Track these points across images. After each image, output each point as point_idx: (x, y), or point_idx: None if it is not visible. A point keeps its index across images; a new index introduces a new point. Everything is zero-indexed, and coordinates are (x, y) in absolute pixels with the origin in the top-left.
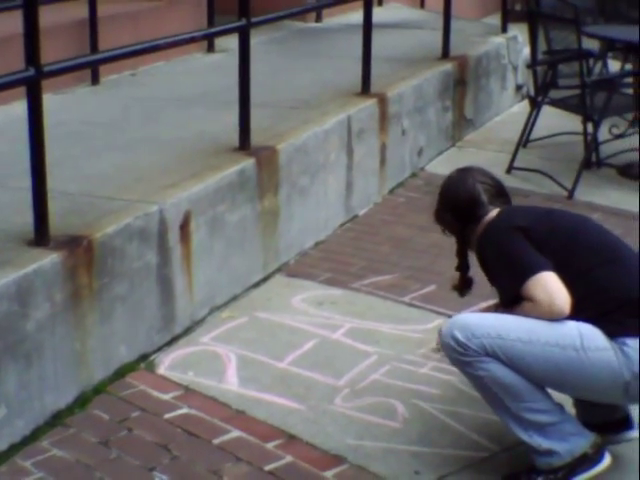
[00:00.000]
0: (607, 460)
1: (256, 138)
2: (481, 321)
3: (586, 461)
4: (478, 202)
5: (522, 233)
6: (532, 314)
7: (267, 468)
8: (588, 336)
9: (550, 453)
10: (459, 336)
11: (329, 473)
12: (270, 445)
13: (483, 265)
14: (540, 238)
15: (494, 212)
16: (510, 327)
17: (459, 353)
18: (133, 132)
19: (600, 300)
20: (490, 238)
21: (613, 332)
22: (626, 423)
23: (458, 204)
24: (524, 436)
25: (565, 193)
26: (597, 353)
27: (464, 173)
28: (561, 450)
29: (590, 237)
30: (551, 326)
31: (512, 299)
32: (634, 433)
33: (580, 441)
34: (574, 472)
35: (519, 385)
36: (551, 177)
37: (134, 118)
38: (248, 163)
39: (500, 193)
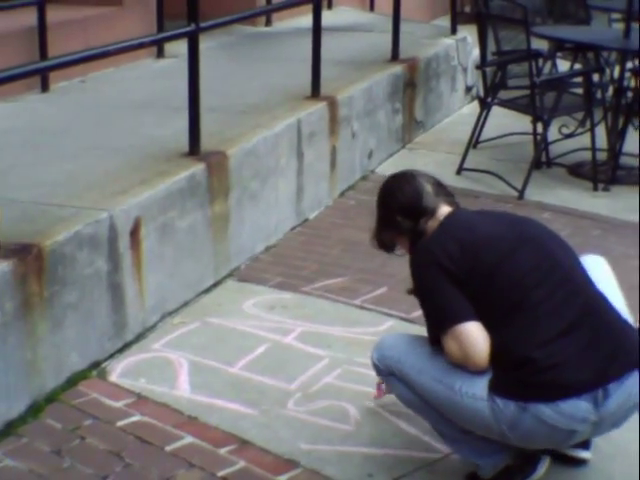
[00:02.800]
0: (543, 468)
1: (206, 143)
2: (394, 343)
3: (518, 473)
4: (424, 191)
5: (443, 272)
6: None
7: (220, 474)
8: (469, 382)
9: (476, 465)
10: (374, 355)
11: (282, 478)
12: (223, 451)
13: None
14: (461, 279)
15: (445, 208)
16: (411, 354)
17: (376, 372)
18: (83, 139)
19: (494, 355)
20: (414, 271)
21: (491, 386)
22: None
23: (405, 199)
24: (448, 446)
25: (515, 193)
26: (471, 400)
27: (399, 174)
28: (482, 464)
29: (507, 278)
30: (445, 363)
31: (434, 341)
32: (584, 454)
33: (499, 455)
34: None
35: (419, 404)
36: (501, 177)
37: (84, 125)
38: (198, 168)
39: (440, 185)
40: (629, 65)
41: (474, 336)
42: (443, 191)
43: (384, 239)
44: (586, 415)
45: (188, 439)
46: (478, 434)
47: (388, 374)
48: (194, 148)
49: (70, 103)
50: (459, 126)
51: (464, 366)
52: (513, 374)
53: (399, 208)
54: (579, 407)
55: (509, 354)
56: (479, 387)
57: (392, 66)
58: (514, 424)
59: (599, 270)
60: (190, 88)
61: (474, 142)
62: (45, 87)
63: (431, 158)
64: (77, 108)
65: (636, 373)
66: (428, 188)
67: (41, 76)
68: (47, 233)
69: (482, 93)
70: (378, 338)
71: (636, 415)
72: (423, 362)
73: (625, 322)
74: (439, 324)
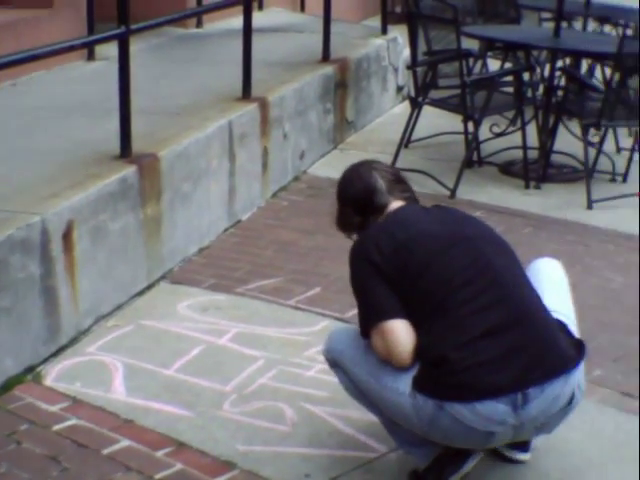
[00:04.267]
0: (475, 460)
1: (137, 145)
2: (339, 337)
3: (450, 464)
4: (375, 189)
5: (374, 269)
6: None
7: (157, 476)
8: (393, 377)
9: (411, 455)
10: (323, 347)
11: (220, 479)
12: (160, 453)
13: None
14: (391, 277)
15: (395, 204)
16: (352, 347)
17: (325, 361)
18: (13, 142)
19: (417, 350)
20: (350, 260)
21: (414, 382)
22: (520, 443)
23: (355, 195)
24: (389, 435)
25: (447, 192)
26: (394, 394)
27: (358, 164)
28: (417, 453)
29: (436, 276)
30: (377, 357)
31: (364, 335)
32: (521, 455)
33: (431, 444)
34: (443, 474)
35: (360, 395)
36: (433, 177)
37: (14, 128)
38: (129, 171)
39: (398, 180)
40: (559, 64)
41: (398, 334)
42: (399, 187)
43: (341, 225)
44: (504, 418)
45: (125, 442)
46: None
47: (335, 365)
48: (125, 150)
49: (0, 106)
50: (390, 126)
51: (388, 362)
52: (432, 372)
53: (350, 203)
54: (496, 410)
55: (429, 352)
56: (403, 382)
57: (323, 67)
58: (433, 422)
59: (550, 274)
60: (121, 90)
61: (405, 142)
62: None
63: (363, 158)
64: (7, 111)
65: (561, 380)
66: (381, 184)
67: None
68: None
69: (413, 93)
70: (313, 338)
71: (572, 415)
72: (360, 356)
73: (558, 328)
74: (367, 320)
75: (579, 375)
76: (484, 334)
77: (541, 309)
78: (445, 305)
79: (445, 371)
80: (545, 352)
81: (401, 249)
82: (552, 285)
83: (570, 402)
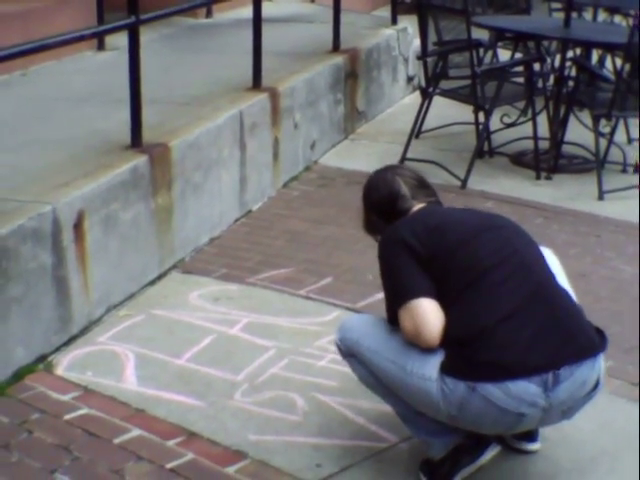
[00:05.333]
0: (492, 452)
1: (148, 135)
2: (354, 325)
3: (467, 454)
4: (399, 195)
5: (407, 250)
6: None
7: (169, 466)
8: (420, 363)
9: (428, 444)
10: (336, 337)
11: (231, 469)
12: (171, 443)
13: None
14: (425, 258)
15: (419, 206)
16: (369, 335)
17: (338, 352)
18: (25, 132)
19: (447, 331)
20: (380, 250)
21: (442, 366)
22: (529, 433)
23: (380, 201)
24: (405, 425)
25: (458, 183)
26: (419, 380)
27: (383, 170)
28: (435, 442)
29: (467, 258)
30: (401, 344)
31: (391, 319)
32: (532, 446)
33: (452, 434)
34: (459, 464)
35: (377, 384)
36: (444, 167)
37: (25, 118)
38: (141, 160)
39: (422, 185)
40: (570, 54)
41: (427, 312)
42: (423, 191)
43: (367, 229)
44: (535, 399)
45: (136, 432)
46: (429, 417)
47: (349, 355)
48: (136, 140)
49: (11, 96)
50: (401, 116)
51: (416, 341)
52: (464, 352)
53: (374, 208)
54: (528, 390)
55: (461, 332)
56: (429, 368)
57: (333, 57)
58: (463, 405)
59: (553, 263)
60: (131, 80)
61: (416, 132)
62: None
63: (373, 149)
64: (18, 101)
65: (589, 363)
66: (404, 190)
67: None
68: None
69: (423, 83)
70: (324, 328)
71: (588, 403)
72: (379, 343)
73: (581, 313)
74: (397, 298)
75: (602, 362)
76: (516, 313)
77: (566, 295)
78: (477, 285)
79: (478, 349)
80: (575, 334)
81: (434, 232)
82: (558, 275)
83: (595, 387)
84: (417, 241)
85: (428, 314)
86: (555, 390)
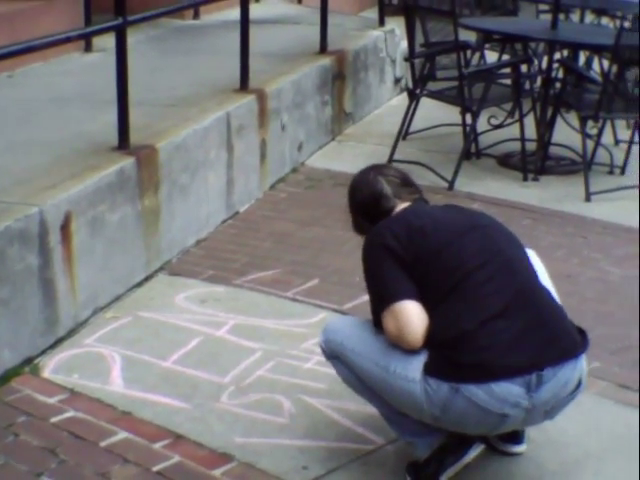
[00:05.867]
0: (475, 451)
1: (135, 137)
2: (338, 327)
3: (452, 453)
4: (382, 195)
5: (389, 254)
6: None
7: (155, 469)
8: (403, 364)
9: (413, 445)
10: (320, 338)
11: (217, 471)
12: (157, 445)
13: None
14: (407, 261)
15: (403, 205)
16: (353, 337)
17: (323, 354)
18: (11, 134)
19: (430, 333)
20: (363, 253)
21: (425, 368)
22: (514, 436)
23: (363, 201)
24: (389, 427)
25: (445, 184)
26: (403, 382)
27: (366, 170)
28: (419, 443)
29: (451, 259)
30: (384, 346)
31: (376, 322)
32: (518, 448)
33: (435, 433)
34: (444, 464)
35: (361, 386)
36: (431, 169)
37: (11, 120)
38: (127, 162)
39: (406, 183)
40: (557, 56)
41: (410, 314)
42: (406, 189)
43: (355, 229)
44: (518, 400)
45: (122, 434)
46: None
47: (333, 357)
48: (123, 142)
49: None
50: (388, 118)
51: (399, 343)
52: (447, 354)
53: (358, 209)
54: (511, 391)
55: (445, 334)
56: (412, 370)
57: (321, 58)
58: (446, 406)
59: (536, 264)
60: (118, 82)
61: (403, 134)
62: None
63: (361, 150)
64: (4, 103)
65: (571, 363)
66: (387, 190)
67: None
68: None
69: (411, 85)
70: (310, 330)
71: (569, 408)
72: (363, 346)
73: (563, 314)
74: (380, 302)
75: (584, 362)
76: (499, 314)
77: (548, 295)
78: (460, 287)
79: (461, 351)
80: (558, 335)
81: (416, 234)
82: (541, 275)
83: (577, 387)
84: (399, 245)
85: (411, 316)
86: (538, 391)
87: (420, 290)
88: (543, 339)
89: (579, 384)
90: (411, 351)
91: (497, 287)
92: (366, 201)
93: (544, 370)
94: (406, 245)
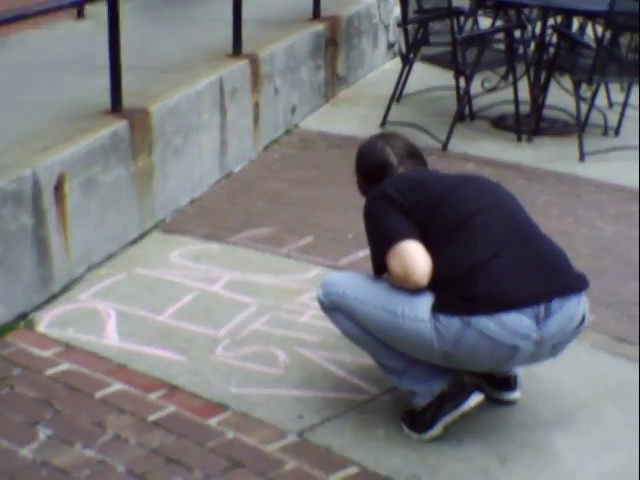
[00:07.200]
0: (475, 399)
1: (128, 101)
2: (338, 279)
3: (451, 401)
4: (386, 164)
5: (390, 202)
6: (393, 284)
7: (151, 418)
8: (411, 305)
9: (413, 393)
10: (319, 292)
11: (213, 421)
12: (153, 396)
13: None
14: (408, 208)
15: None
16: (354, 287)
17: (321, 308)
18: (4, 98)
19: (436, 273)
20: (365, 209)
21: (434, 306)
22: (507, 383)
23: (368, 167)
24: (389, 378)
25: (439, 145)
26: (412, 322)
27: (375, 138)
28: (420, 390)
29: (452, 204)
30: (389, 290)
31: (377, 268)
32: (512, 395)
33: (437, 381)
34: (442, 411)
35: (363, 336)
36: (425, 130)
37: (5, 85)
38: (120, 125)
39: (413, 156)
40: (551, 22)
41: (415, 252)
42: (411, 161)
43: (360, 192)
44: (528, 332)
45: (117, 386)
46: (417, 364)
47: (333, 309)
48: (116, 106)
49: None
50: (382, 81)
51: (405, 283)
52: (456, 289)
53: (362, 174)
54: (521, 322)
55: (452, 271)
56: (421, 309)
57: (314, 24)
58: (458, 342)
59: None
60: (110, 46)
61: (397, 96)
62: None
63: (354, 112)
64: None
65: (576, 298)
66: (392, 160)
67: None
68: None
69: (404, 50)
70: (305, 285)
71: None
72: (366, 293)
73: (564, 254)
74: (383, 245)
75: (586, 300)
76: (504, 251)
77: (549, 238)
78: (462, 228)
79: (470, 285)
80: (562, 270)
81: (416, 184)
82: None
83: (581, 323)
84: (399, 194)
85: (415, 255)
86: (546, 323)
87: (422, 234)
88: (548, 273)
89: (583, 320)
90: (416, 292)
91: (499, 228)
92: (371, 168)
93: (552, 301)
94: (406, 194)
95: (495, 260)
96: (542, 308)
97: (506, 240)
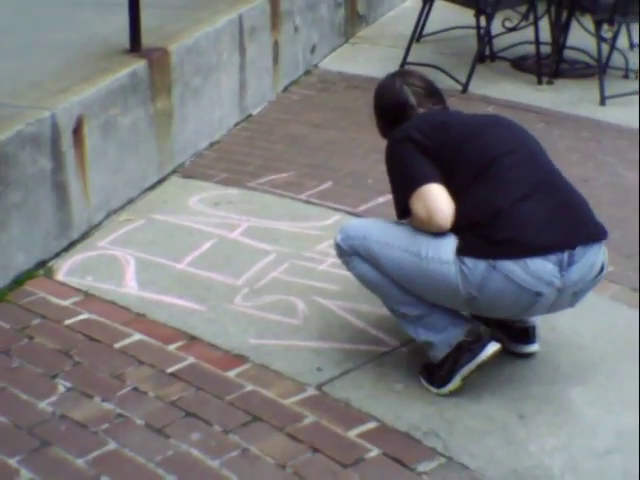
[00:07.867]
0: (492, 349)
1: (147, 39)
2: (358, 224)
3: (468, 351)
4: (406, 104)
5: (413, 144)
6: (416, 227)
7: (170, 370)
8: (435, 247)
9: (430, 345)
10: (337, 237)
11: (232, 373)
12: (172, 347)
13: None
14: (432, 150)
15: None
16: (376, 231)
17: (338, 253)
18: (23, 37)
19: (460, 216)
20: (387, 152)
21: (459, 249)
22: (526, 335)
23: (386, 108)
24: (404, 328)
25: (459, 87)
26: (437, 265)
27: (392, 76)
28: (436, 341)
29: (477, 147)
30: (412, 233)
31: (402, 212)
32: (530, 348)
33: (454, 331)
34: (459, 364)
35: (382, 282)
36: (445, 71)
37: (24, 23)
38: (139, 65)
39: (431, 94)
40: None
41: (438, 195)
42: (431, 100)
43: (380, 132)
44: (552, 278)
45: (137, 336)
46: (433, 313)
47: (352, 254)
48: (135, 45)
49: (8, 2)
50: (402, 20)
51: (428, 226)
52: (482, 233)
53: (381, 115)
54: (545, 268)
55: (477, 215)
56: (446, 251)
57: None
58: (483, 284)
59: None
60: None
61: (417, 36)
62: None
63: (374, 52)
64: (15, 7)
65: (596, 246)
66: (411, 100)
67: None
68: None
69: None
70: (324, 232)
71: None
72: (388, 235)
73: (587, 203)
74: (407, 188)
75: (605, 249)
76: (529, 196)
77: (572, 185)
78: (487, 172)
79: (495, 229)
80: (584, 219)
81: (440, 126)
82: None
83: (600, 272)
84: (422, 135)
85: (439, 197)
86: (569, 270)
87: (446, 176)
88: (572, 221)
89: (601, 269)
90: (439, 235)
91: (524, 173)
92: (390, 110)
93: (576, 249)
94: (429, 135)
95: (521, 204)
96: (566, 255)
97: (532, 185)
